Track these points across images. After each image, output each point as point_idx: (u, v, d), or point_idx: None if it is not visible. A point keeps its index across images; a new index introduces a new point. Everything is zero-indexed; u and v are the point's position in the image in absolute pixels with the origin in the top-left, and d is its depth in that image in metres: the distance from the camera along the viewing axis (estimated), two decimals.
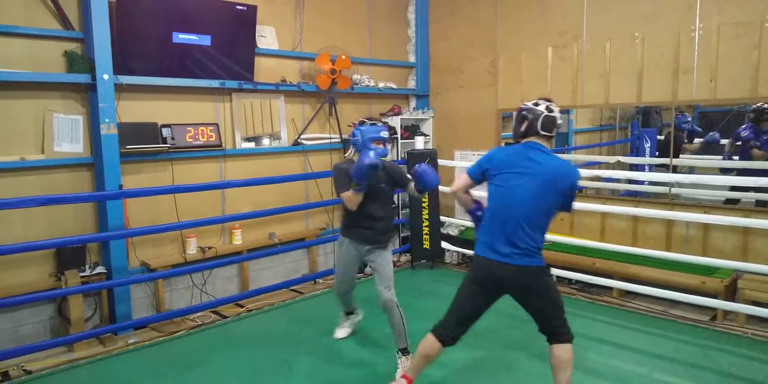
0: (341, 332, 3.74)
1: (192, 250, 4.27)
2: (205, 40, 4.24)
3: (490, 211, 2.55)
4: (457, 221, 5.63)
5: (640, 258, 4.23)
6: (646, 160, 5.45)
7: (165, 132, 4.11)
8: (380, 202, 3.27)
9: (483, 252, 2.52)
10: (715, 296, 3.87)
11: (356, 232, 3.28)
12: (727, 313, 3.90)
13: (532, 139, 2.55)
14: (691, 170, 5.30)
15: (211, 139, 4.35)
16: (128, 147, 3.85)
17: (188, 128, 4.24)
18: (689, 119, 5.36)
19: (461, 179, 2.75)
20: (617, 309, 4.19)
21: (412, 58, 6.14)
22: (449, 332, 2.56)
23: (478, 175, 2.67)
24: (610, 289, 4.37)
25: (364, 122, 3.26)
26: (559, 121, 2.56)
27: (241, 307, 4.31)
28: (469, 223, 5.53)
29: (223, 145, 4.46)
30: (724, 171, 4.94)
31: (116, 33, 3.74)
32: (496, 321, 3.77)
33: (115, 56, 3.74)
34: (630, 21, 4.52)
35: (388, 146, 5.72)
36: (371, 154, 2.94)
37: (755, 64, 3.90)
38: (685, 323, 3.88)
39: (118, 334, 3.78)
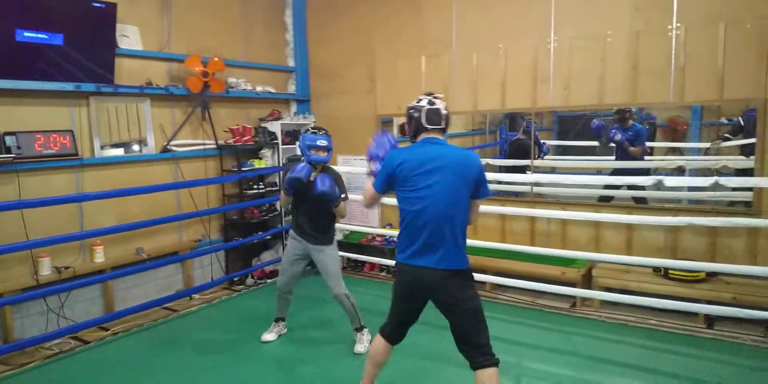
0: (269, 336, 3.80)
1: (46, 271, 3.84)
2: (57, 39, 3.86)
3: (409, 215, 2.46)
4: (341, 226, 5.64)
5: (508, 252, 4.52)
6: (510, 162, 5.84)
7: (9, 140, 3.66)
8: (313, 206, 3.53)
9: (406, 259, 2.45)
10: (574, 285, 4.24)
11: (298, 229, 3.61)
12: (584, 299, 4.29)
13: (424, 135, 2.54)
14: (553, 170, 5.77)
15: (65, 148, 3.95)
16: None
17: (37, 136, 3.82)
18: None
19: (368, 193, 2.69)
20: (490, 302, 4.43)
21: (291, 63, 6.06)
22: (393, 332, 2.65)
23: (385, 185, 2.58)
24: (483, 283, 4.62)
25: (308, 130, 3.56)
26: (444, 111, 2.53)
27: (106, 330, 3.97)
28: (355, 227, 5.58)
29: (80, 153, 4.07)
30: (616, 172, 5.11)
31: None
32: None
33: None
34: (494, 34, 4.81)
35: (268, 152, 5.65)
36: (299, 167, 3.36)
37: (601, 75, 4.34)
38: (550, 312, 4.21)
39: None
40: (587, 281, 4.35)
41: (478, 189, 2.49)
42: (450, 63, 5.10)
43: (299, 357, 3.50)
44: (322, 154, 3.49)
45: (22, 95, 3.80)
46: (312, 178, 3.41)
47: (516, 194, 5.27)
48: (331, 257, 3.59)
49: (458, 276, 2.40)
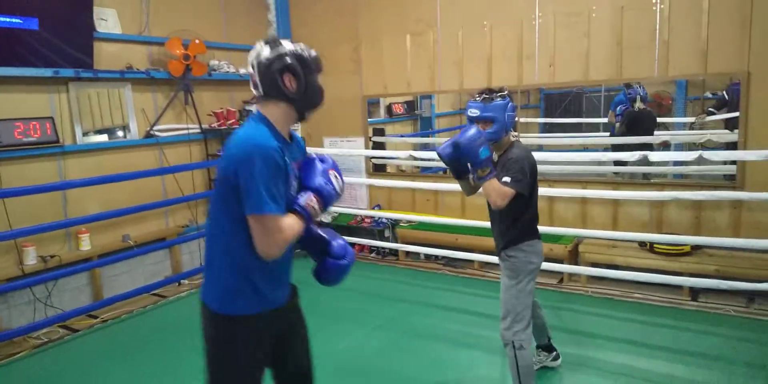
0: None
1: (31, 261, 3.80)
2: (32, 24, 3.75)
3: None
4: (330, 208, 5.64)
5: None
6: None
7: None
8: None
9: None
10: (561, 261, 4.28)
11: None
12: (572, 275, 4.33)
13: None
14: (540, 148, 5.76)
15: (45, 135, 3.88)
16: None
17: (16, 124, 3.74)
18: None
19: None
20: (479, 280, 4.48)
21: None
22: None
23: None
24: (471, 262, 4.65)
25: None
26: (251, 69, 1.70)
27: (95, 318, 3.96)
28: (343, 209, 5.56)
29: (61, 141, 4.00)
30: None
31: None
32: None
33: None
34: (478, 10, 4.75)
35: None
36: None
37: (586, 51, 4.31)
38: (537, 288, 4.23)
39: None
40: (574, 257, 4.39)
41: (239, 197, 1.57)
42: (435, 41, 5.03)
43: None
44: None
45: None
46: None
47: None
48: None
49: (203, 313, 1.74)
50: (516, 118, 2.47)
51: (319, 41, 5.81)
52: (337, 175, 1.75)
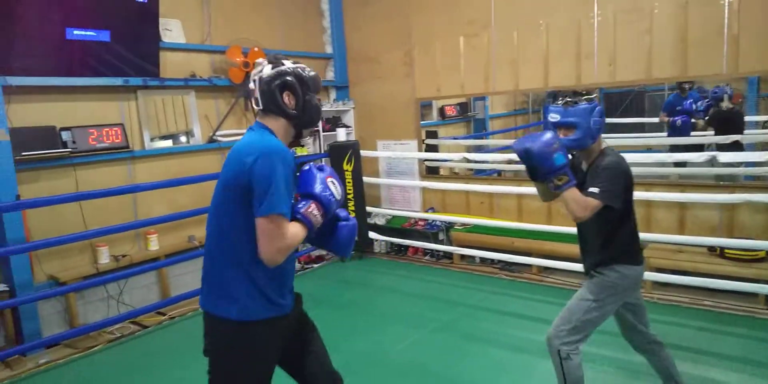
0: None
1: (105, 260, 4.03)
2: (104, 36, 3.98)
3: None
4: (383, 211, 5.68)
5: (555, 235, 4.44)
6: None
7: (65, 135, 3.83)
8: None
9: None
10: None
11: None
12: None
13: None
14: None
15: (116, 141, 4.11)
16: (24, 154, 3.57)
17: (90, 130, 3.98)
18: None
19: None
20: (537, 285, 4.39)
21: (329, 50, 6.07)
22: None
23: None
24: (529, 266, 4.57)
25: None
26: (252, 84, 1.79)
27: (163, 315, 4.14)
28: (397, 212, 5.58)
29: (131, 146, 4.22)
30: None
31: None
32: None
33: (0, 54, 3.43)
34: (534, 10, 4.67)
35: (309, 139, 5.71)
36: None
37: (648, 48, 4.16)
38: None
39: (26, 355, 3.51)
40: None
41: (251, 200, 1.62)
42: (489, 42, 4.99)
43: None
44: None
45: (74, 91, 3.96)
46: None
47: None
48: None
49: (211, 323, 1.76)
50: (603, 124, 2.31)
51: (372, 45, 5.88)
52: (335, 181, 1.78)
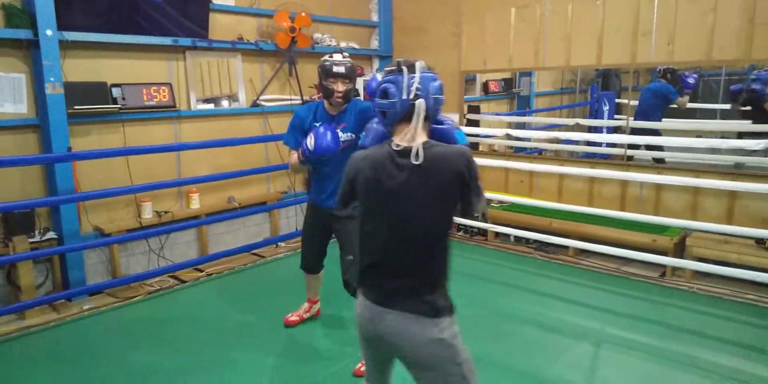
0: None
1: (148, 215, 4.15)
2: None
3: None
4: None
5: (595, 217, 4.35)
6: (605, 122, 5.54)
7: (115, 92, 3.91)
8: None
9: None
10: (665, 253, 4.03)
11: None
12: (675, 269, 4.08)
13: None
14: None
15: (164, 100, 4.17)
16: (76, 108, 3.66)
17: (140, 88, 4.05)
18: None
19: None
20: (572, 267, 4.32)
21: (375, 18, 5.97)
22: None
23: None
24: (566, 247, 4.49)
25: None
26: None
27: (201, 271, 4.26)
28: None
29: (177, 106, 4.28)
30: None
31: None
32: None
33: (59, 10, 3.49)
34: None
35: None
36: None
37: (711, 28, 3.95)
38: (636, 280, 4.05)
39: (72, 300, 3.68)
40: (680, 250, 4.12)
41: None
42: (542, 15, 4.82)
43: None
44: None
45: (127, 49, 4.02)
46: None
47: (607, 157, 5.01)
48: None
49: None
50: None
51: (420, 15, 5.75)
52: (312, 136, 2.55)
